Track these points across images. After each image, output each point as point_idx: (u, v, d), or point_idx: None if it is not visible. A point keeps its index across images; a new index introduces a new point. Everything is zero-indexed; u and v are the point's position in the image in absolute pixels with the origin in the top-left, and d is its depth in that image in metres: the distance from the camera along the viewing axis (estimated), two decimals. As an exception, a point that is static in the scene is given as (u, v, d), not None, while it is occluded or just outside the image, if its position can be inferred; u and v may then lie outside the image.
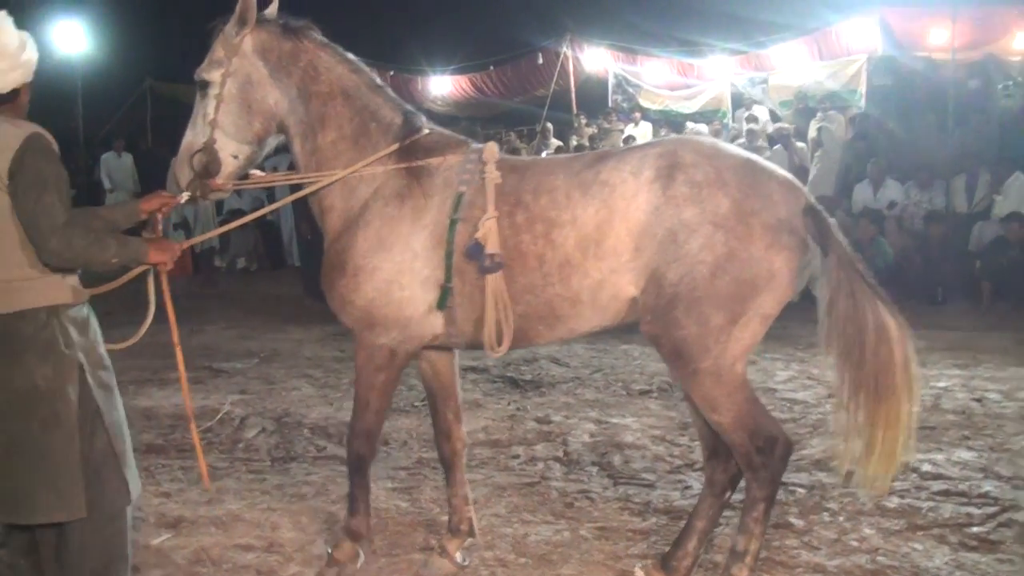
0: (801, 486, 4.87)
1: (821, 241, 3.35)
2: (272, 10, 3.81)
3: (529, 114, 19.18)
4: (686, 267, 3.29)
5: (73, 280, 3.12)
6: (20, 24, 3.20)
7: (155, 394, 7.21)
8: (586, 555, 4.13)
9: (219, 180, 3.69)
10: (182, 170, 3.68)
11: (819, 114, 14.54)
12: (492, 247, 3.46)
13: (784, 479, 4.85)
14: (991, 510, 4.50)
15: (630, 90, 17.38)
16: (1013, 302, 9.88)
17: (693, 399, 3.50)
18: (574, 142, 16.99)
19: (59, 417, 2.97)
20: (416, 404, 6.65)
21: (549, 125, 17.19)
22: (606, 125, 17.38)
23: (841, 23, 14.50)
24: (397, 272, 3.58)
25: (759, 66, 15.94)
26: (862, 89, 14.57)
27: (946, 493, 4.73)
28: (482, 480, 5.09)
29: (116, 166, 16.63)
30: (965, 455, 5.28)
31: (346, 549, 3.87)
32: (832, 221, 3.42)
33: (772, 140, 14.58)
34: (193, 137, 3.71)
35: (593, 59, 17.34)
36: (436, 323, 3.65)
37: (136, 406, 6.82)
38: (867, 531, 4.31)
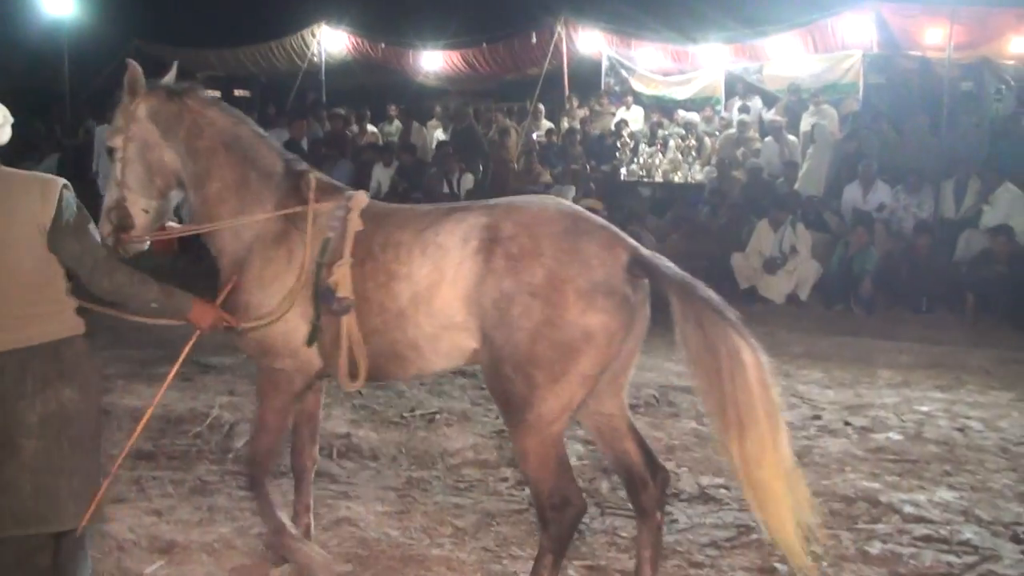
0: (786, 525, 4.95)
1: (657, 283, 3.61)
2: (169, 76, 4.23)
3: (520, 91, 19.14)
4: (509, 331, 3.57)
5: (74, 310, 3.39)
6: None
7: (144, 392, 7.18)
8: (575, 600, 4.21)
9: (136, 232, 4.08)
10: (103, 226, 4.00)
11: (811, 107, 14.59)
12: (343, 291, 3.82)
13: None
14: (971, 559, 4.60)
15: (623, 73, 17.34)
16: (997, 317, 10.01)
17: (513, 447, 3.82)
18: (565, 124, 16.99)
19: (83, 436, 3.29)
20: (405, 415, 6.69)
21: (541, 106, 17.14)
22: (598, 108, 17.37)
23: (837, 17, 14.48)
24: (279, 308, 3.93)
25: (754, 56, 15.94)
26: (860, 82, 14.62)
27: (927, 539, 4.82)
28: (471, 506, 5.16)
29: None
30: (947, 495, 5.38)
31: (315, 561, 4.22)
32: (662, 262, 3.64)
33: (764, 132, 14.63)
34: (108, 196, 4.11)
35: (587, 41, 17.24)
36: (315, 355, 4.00)
37: (124, 406, 6.80)
38: (850, 580, 4.40)
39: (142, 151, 4.05)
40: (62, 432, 3.21)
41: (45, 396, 3.19)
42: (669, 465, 5.72)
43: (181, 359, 3.93)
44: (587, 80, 17.86)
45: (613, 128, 16.39)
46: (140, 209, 4.08)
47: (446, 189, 13.43)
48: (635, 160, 15.45)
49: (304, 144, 13.34)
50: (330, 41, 18.74)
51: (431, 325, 3.77)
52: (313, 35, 18.64)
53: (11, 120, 3.34)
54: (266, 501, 4.22)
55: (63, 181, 3.26)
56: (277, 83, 19.87)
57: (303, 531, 4.39)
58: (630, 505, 4.12)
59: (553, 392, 3.57)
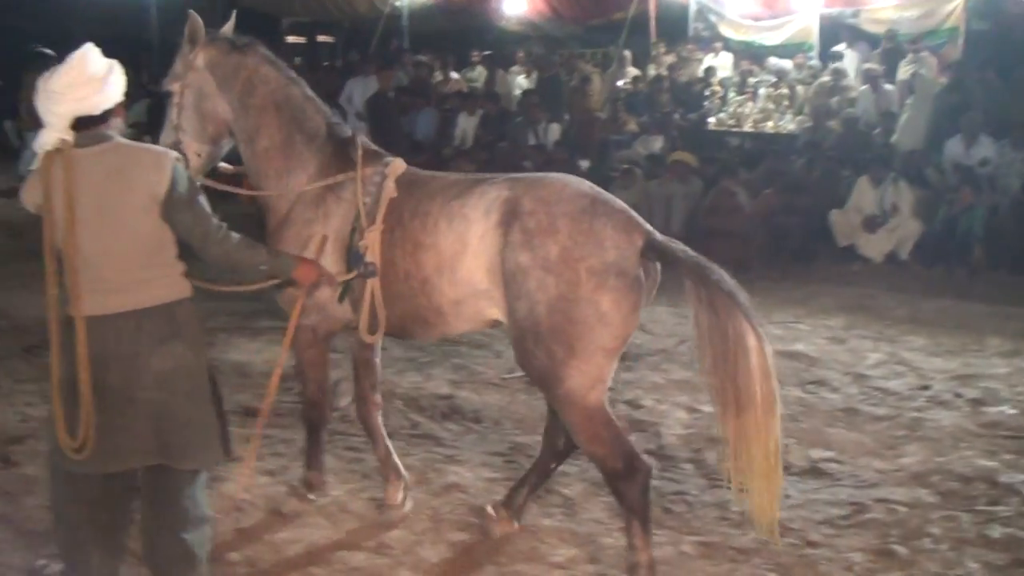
0: (901, 504, 4.85)
1: (672, 266, 3.78)
2: (228, 28, 4.43)
3: (603, 37, 18.78)
4: (528, 305, 3.75)
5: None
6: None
7: (246, 347, 7.35)
8: (691, 578, 4.18)
9: (192, 172, 4.11)
10: None
11: (910, 55, 14.04)
12: (371, 256, 4.08)
13: (885, 495, 4.94)
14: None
15: (711, 18, 16.90)
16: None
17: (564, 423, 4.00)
18: (652, 71, 16.62)
19: (198, 390, 3.47)
20: (504, 377, 6.71)
21: (627, 53, 16.76)
22: (685, 54, 16.96)
23: (939, -44, 13.85)
24: None
25: (850, 1, 15.35)
26: (961, 28, 14.03)
27: (1053, 523, 4.69)
28: (578, 474, 5.15)
29: None
30: (1071, 475, 5.22)
31: (299, 498, 4.67)
32: (677, 246, 3.77)
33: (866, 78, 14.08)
34: (164, 137, 4.32)
35: (675, -16, 16.79)
36: (345, 310, 4.27)
37: (227, 360, 6.96)
38: (971, 565, 4.30)
39: (198, 99, 4.28)
40: (178, 387, 3.39)
41: (161, 354, 3.35)
42: (775, 436, 5.69)
43: (295, 319, 4.10)
44: (674, 25, 17.42)
45: (702, 75, 16.02)
46: (194, 152, 4.31)
47: (532, 140, 13.31)
48: (723, 109, 15.12)
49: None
50: (408, -15, 18.56)
51: (455, 292, 3.98)
52: (394, -23, 18.45)
53: (119, 73, 3.36)
54: (318, 447, 4.70)
55: (175, 154, 3.41)
56: (360, 28, 19.75)
57: (395, 475, 4.70)
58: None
59: (576, 367, 3.73)
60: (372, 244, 4.08)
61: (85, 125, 3.29)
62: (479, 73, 17.63)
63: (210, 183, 4.30)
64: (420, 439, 5.70)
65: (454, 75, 16.77)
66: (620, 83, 16.14)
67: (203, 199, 3.46)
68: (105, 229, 3.28)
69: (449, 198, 4.02)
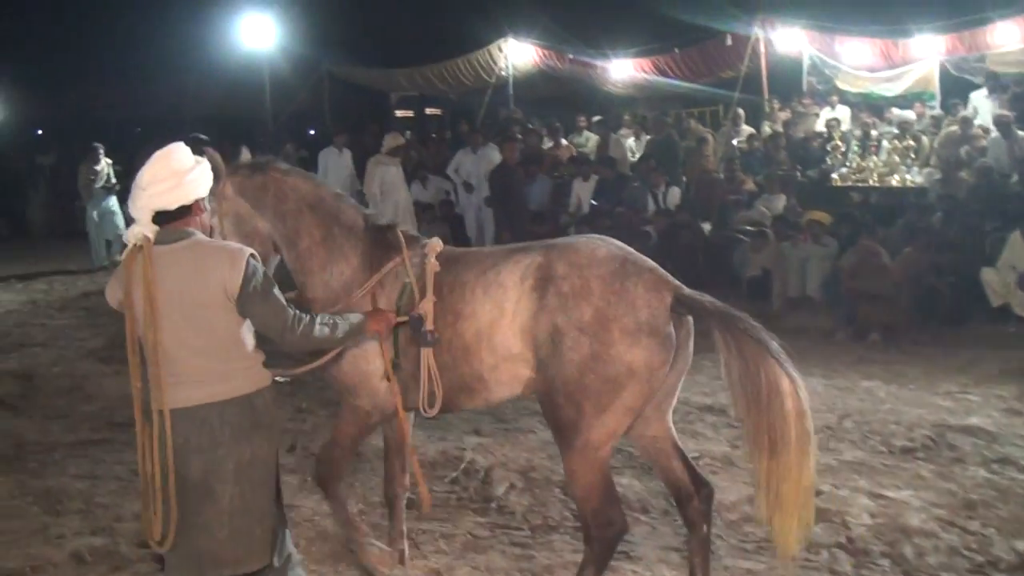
0: None
1: (700, 318, 3.96)
2: (244, 156, 4.70)
3: (709, 96, 18.61)
4: (560, 363, 3.94)
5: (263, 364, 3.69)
6: (211, 20, 3.96)
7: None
8: None
9: None
10: None
11: (1042, 97, 13.45)
12: (430, 325, 4.19)
13: None
14: None
15: (827, 72, 16.53)
16: None
17: (564, 469, 4.19)
18: (767, 129, 16.29)
19: (267, 481, 3.61)
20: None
21: (740, 111, 16.49)
22: (800, 109, 16.60)
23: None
24: (362, 350, 4.32)
25: (974, 46, 14.85)
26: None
27: None
28: (765, 572, 4.81)
29: (336, 163, 14.67)
30: None
31: (373, 555, 4.77)
32: (705, 299, 3.97)
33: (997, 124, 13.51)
34: None
35: (786, 40, 16.52)
36: (390, 394, 4.33)
37: (371, 445, 6.79)
38: None
39: (237, 224, 4.42)
40: (255, 478, 3.53)
41: (240, 445, 3.48)
42: (972, 525, 5.27)
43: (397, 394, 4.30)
44: (786, 81, 17.13)
45: (824, 129, 15.63)
46: None
47: (652, 204, 13.09)
48: (845, 164, 14.68)
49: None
50: (517, 54, 18.72)
51: (492, 358, 4.15)
52: (500, 49, 18.65)
53: (203, 172, 3.57)
54: (335, 497, 4.74)
55: (250, 250, 3.53)
56: (466, 100, 19.98)
57: (399, 556, 4.86)
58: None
59: (600, 421, 3.93)
60: (427, 314, 4.20)
61: (164, 220, 3.45)
62: (586, 138, 17.56)
63: None
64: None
65: (563, 141, 16.69)
66: (735, 142, 15.84)
67: (277, 292, 3.55)
68: (184, 324, 3.41)
69: (485, 268, 4.23)
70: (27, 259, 16.47)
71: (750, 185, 14.48)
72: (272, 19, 17.75)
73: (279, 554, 3.71)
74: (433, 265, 4.29)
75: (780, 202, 13.50)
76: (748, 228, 12.53)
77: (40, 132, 27.68)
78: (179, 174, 3.46)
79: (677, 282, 4.01)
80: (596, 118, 18.03)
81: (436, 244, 4.43)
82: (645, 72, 18.09)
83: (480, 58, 19.08)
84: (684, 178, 14.29)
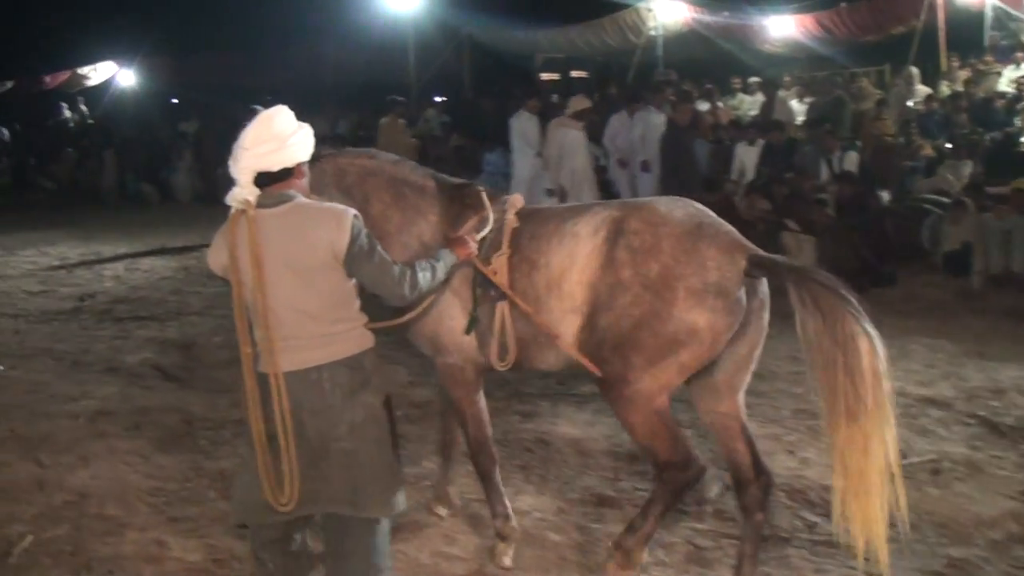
0: None
1: (776, 277, 3.81)
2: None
3: (874, 55, 17.37)
4: (615, 317, 3.90)
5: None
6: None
7: (574, 417, 6.60)
8: None
9: None
10: None
11: None
12: (500, 280, 4.17)
13: None
14: None
15: (1011, 26, 15.13)
16: None
17: (619, 421, 4.15)
18: (945, 89, 15.03)
19: (384, 438, 3.61)
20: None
21: (914, 70, 15.26)
22: (981, 67, 15.28)
23: None
24: (445, 305, 4.31)
25: None
26: None
27: None
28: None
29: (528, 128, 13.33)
30: None
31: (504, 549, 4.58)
32: (780, 259, 3.87)
33: None
34: None
35: (968, -9, 15.18)
36: (475, 345, 4.36)
37: (559, 435, 6.26)
38: None
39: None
40: (368, 434, 3.53)
41: (352, 404, 3.50)
42: None
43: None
44: (964, 36, 15.79)
45: (1008, 89, 14.32)
46: None
47: (824, 170, 12.12)
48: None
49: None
50: (667, 13, 17.78)
51: (559, 309, 4.08)
52: (649, 8, 17.73)
53: (305, 136, 3.55)
54: (495, 489, 4.63)
55: (353, 211, 3.52)
56: (613, 62, 19.15)
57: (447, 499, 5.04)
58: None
59: (649, 373, 3.87)
60: (500, 268, 4.20)
61: (266, 182, 3.45)
62: (740, 100, 16.60)
63: None
64: (825, 546, 4.71)
65: (720, 104, 15.76)
66: (910, 103, 14.64)
67: (381, 249, 3.57)
68: (293, 287, 3.42)
69: (563, 219, 4.22)
70: (174, 226, 16.56)
71: (928, 150, 13.38)
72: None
73: (390, 508, 3.65)
74: (512, 220, 4.30)
75: (966, 169, 12.46)
76: (932, 197, 11.51)
77: (175, 101, 28.13)
78: (282, 137, 3.46)
79: (752, 245, 3.90)
80: (753, 79, 17.03)
81: (517, 200, 4.45)
82: (807, 29, 16.91)
83: (627, 18, 18.21)
84: (858, 143, 13.21)
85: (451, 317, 4.35)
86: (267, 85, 24.92)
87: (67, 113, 28.31)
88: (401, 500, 3.66)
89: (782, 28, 17.10)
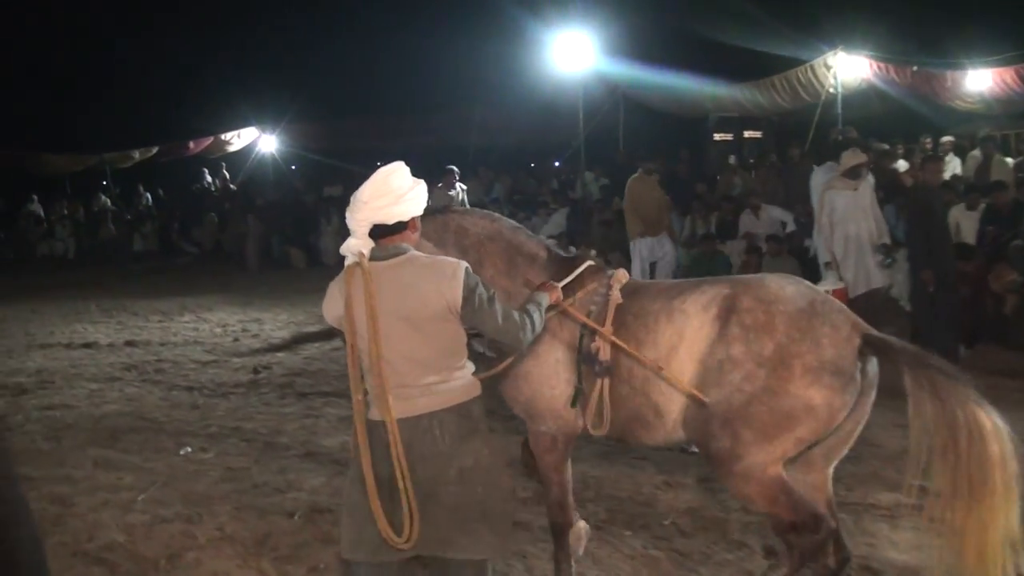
0: None
1: (889, 359, 3.86)
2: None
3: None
4: (726, 392, 3.97)
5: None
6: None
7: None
8: None
9: None
10: None
11: None
12: (604, 356, 4.30)
13: None
14: None
15: None
16: None
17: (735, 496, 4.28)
18: None
19: (494, 486, 3.66)
20: None
21: None
22: None
23: None
24: (546, 376, 4.46)
25: None
26: None
27: None
28: None
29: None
30: None
31: None
32: (895, 340, 3.92)
33: None
34: None
35: None
36: (577, 417, 4.48)
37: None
38: None
39: None
40: (477, 481, 3.59)
41: (462, 451, 3.58)
42: None
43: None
44: None
45: None
46: None
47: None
48: None
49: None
50: (847, 70, 16.63)
51: (668, 387, 4.13)
52: (827, 65, 16.64)
53: (419, 192, 3.66)
54: (564, 551, 4.70)
55: (465, 263, 3.62)
56: (788, 122, 18.04)
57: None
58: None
59: (761, 448, 3.91)
60: (603, 345, 4.27)
61: (380, 234, 3.59)
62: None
63: None
64: None
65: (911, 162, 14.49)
66: None
67: (497, 298, 3.64)
68: (406, 338, 3.52)
69: (671, 296, 4.28)
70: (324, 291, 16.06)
71: None
72: (587, 41, 16.46)
73: (493, 551, 3.69)
74: (616, 297, 4.35)
75: None
76: None
77: (319, 163, 28.26)
78: (398, 192, 3.58)
79: (865, 324, 3.96)
80: (946, 138, 15.75)
81: (622, 275, 4.49)
82: (1005, 84, 15.51)
83: (800, 76, 17.10)
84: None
85: (551, 387, 4.45)
86: (411, 149, 24.85)
87: (208, 179, 28.71)
88: (506, 544, 3.78)
89: (978, 82, 15.74)
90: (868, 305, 9.26)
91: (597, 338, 4.29)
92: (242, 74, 28.29)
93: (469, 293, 3.54)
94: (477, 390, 3.72)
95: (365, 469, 3.49)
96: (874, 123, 17.32)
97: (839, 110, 16.80)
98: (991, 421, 3.56)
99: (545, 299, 3.96)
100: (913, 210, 9.27)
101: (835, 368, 3.83)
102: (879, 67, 16.59)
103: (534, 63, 17.72)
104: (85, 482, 6.79)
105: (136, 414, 8.78)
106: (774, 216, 14.01)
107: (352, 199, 3.64)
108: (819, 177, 12.67)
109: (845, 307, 4.05)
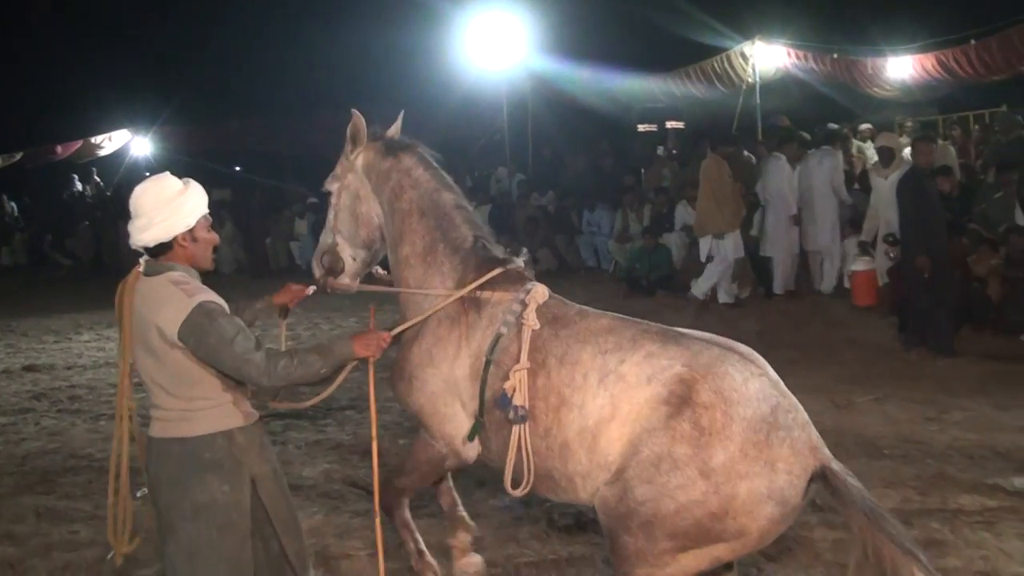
0: None
1: (840, 504, 3.31)
2: (395, 127, 4.36)
3: (979, 98, 16.23)
4: (656, 494, 3.32)
5: (245, 405, 3.65)
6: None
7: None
8: None
9: (345, 279, 4.36)
10: (315, 266, 4.39)
11: None
12: (519, 400, 3.63)
13: None
14: None
15: None
16: None
17: None
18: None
19: (234, 524, 3.51)
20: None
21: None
22: None
23: None
24: (442, 389, 3.92)
25: None
26: None
27: None
28: None
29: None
30: None
31: None
32: (853, 484, 3.28)
33: None
34: (323, 238, 4.39)
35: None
36: (473, 449, 4.00)
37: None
38: None
39: (353, 202, 4.25)
40: (216, 521, 3.50)
41: (197, 486, 3.49)
42: None
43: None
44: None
45: None
46: (349, 256, 4.29)
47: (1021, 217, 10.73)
48: None
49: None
50: (763, 59, 16.50)
51: (589, 462, 3.54)
52: (745, 55, 16.47)
53: (177, 208, 3.49)
54: (404, 525, 4.37)
55: (200, 301, 3.39)
56: (710, 112, 17.77)
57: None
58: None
59: (675, 559, 3.38)
60: (520, 386, 3.65)
61: (153, 254, 3.55)
62: (858, 148, 15.44)
63: (365, 287, 4.40)
64: None
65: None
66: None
67: (242, 337, 3.41)
68: (146, 359, 3.47)
69: (605, 349, 3.60)
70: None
71: None
72: (507, 33, 15.75)
73: None
74: (532, 321, 3.73)
75: None
76: None
77: (200, 167, 26.76)
78: (150, 212, 3.46)
79: (826, 451, 3.39)
80: (864, 125, 15.84)
81: (541, 292, 3.86)
82: (925, 71, 15.64)
83: (718, 65, 16.88)
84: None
85: (446, 404, 3.96)
86: (298, 150, 23.63)
87: (79, 185, 26.73)
88: None
89: (898, 70, 15.83)
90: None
91: (512, 376, 3.66)
92: (113, 74, 26.52)
93: (192, 331, 3.36)
94: (234, 421, 3.55)
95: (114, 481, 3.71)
96: (792, 112, 17.24)
97: (757, 100, 16.69)
98: None
99: (348, 351, 3.65)
100: (906, 194, 8.95)
101: (782, 498, 3.28)
102: (798, 56, 16.52)
103: (444, 58, 16.94)
104: (33, 539, 5.68)
105: (65, 451, 7.61)
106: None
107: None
108: (773, 164, 12.49)
109: (807, 420, 3.42)
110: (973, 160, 14.06)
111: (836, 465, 3.34)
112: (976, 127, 15.93)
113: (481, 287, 3.94)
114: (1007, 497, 5.51)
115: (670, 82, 17.18)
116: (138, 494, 6.65)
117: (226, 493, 3.48)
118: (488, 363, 3.78)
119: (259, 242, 20.07)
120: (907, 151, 14.62)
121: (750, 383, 3.38)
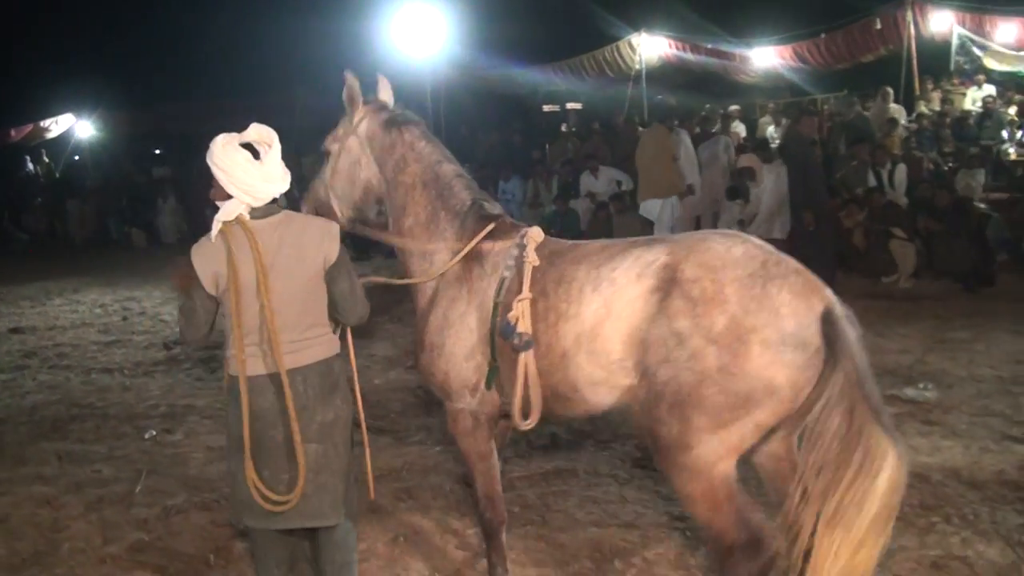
0: None
1: (831, 352, 2.89)
2: (387, 95, 3.95)
3: (837, 82, 16.81)
4: (674, 371, 3.01)
5: None
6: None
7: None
8: None
9: None
10: (305, 211, 3.96)
11: None
12: (523, 327, 3.37)
13: None
14: None
15: (975, 51, 14.71)
16: None
17: (675, 491, 3.22)
18: (923, 108, 14.49)
19: (346, 441, 3.33)
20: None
21: (889, 90, 14.63)
22: (948, 88, 14.83)
23: None
24: (462, 347, 3.60)
25: None
26: None
27: None
28: None
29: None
30: None
31: None
32: (851, 331, 2.92)
33: None
34: (316, 189, 4.00)
35: (936, 21, 14.70)
36: (495, 395, 3.62)
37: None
38: None
39: (352, 167, 3.93)
40: (335, 437, 3.27)
41: (324, 406, 3.23)
42: None
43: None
44: (931, 61, 15.34)
45: (974, 107, 13.95)
46: (337, 210, 3.98)
47: (873, 182, 11.20)
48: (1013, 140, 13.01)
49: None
50: (648, 48, 16.70)
51: (592, 364, 3.24)
52: (632, 45, 16.63)
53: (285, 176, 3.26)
54: (500, 553, 3.84)
55: (337, 225, 3.31)
56: (607, 95, 17.87)
57: None
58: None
59: (716, 436, 2.99)
60: (522, 314, 3.37)
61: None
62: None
63: (358, 231, 4.02)
64: None
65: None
66: (903, 121, 13.98)
67: (354, 269, 3.35)
68: (288, 293, 3.17)
69: (598, 263, 3.31)
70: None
71: (927, 164, 12.75)
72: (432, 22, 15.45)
73: (348, 510, 3.38)
74: (532, 259, 3.45)
75: (980, 177, 11.87)
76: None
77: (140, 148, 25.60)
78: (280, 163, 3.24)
79: (829, 291, 3.01)
80: (733, 107, 16.23)
81: (536, 234, 3.58)
82: (785, 59, 16.14)
83: (608, 55, 17.03)
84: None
85: (467, 358, 3.59)
86: (223, 131, 22.67)
87: (31, 166, 25.25)
88: (347, 507, 3.35)
89: (763, 59, 16.26)
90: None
91: (515, 306, 3.39)
92: (56, 59, 24.97)
93: (342, 252, 3.26)
94: (337, 348, 3.35)
95: (245, 430, 3.11)
96: (673, 97, 17.56)
97: (643, 86, 16.90)
98: (896, 457, 2.81)
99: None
100: (792, 160, 9.24)
101: (798, 341, 2.93)
102: (678, 46, 16.81)
103: (373, 47, 16.53)
104: (62, 479, 5.42)
105: (67, 402, 7.24)
106: (611, 176, 13.80)
107: (244, 164, 3.16)
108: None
109: (800, 266, 3.07)
110: (825, 135, 14.56)
111: (839, 309, 2.98)
112: (825, 108, 16.47)
113: (482, 239, 3.67)
114: (904, 404, 5.81)
115: (567, 70, 17.23)
116: (146, 436, 6.52)
117: (342, 411, 3.29)
118: (496, 306, 3.51)
119: (199, 213, 19.31)
120: (771, 128, 15.21)
121: (734, 248, 3.09)
